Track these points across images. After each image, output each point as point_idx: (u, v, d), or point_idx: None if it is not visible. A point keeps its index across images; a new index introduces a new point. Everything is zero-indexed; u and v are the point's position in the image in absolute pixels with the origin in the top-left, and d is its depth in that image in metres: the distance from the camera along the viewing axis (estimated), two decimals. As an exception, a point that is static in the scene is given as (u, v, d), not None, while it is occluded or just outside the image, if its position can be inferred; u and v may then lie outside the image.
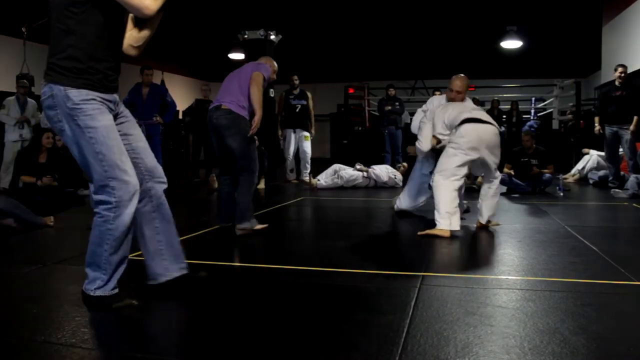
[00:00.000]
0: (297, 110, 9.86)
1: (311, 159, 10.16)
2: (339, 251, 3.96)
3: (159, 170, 2.79)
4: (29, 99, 8.92)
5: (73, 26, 2.48)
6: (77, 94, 2.48)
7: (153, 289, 2.80)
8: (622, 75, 8.08)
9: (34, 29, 10.16)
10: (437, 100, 5.35)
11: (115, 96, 2.67)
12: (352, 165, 9.07)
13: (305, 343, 2.19)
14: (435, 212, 4.34)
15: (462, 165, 4.35)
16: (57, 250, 4.14)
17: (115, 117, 2.67)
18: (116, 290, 2.64)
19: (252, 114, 4.62)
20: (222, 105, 4.57)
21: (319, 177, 8.95)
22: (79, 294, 2.88)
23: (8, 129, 8.74)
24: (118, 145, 2.55)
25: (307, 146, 9.97)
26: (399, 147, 11.35)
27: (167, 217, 2.81)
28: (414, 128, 5.33)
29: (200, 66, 17.37)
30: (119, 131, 2.64)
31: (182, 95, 11.11)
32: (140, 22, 2.72)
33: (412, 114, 14.16)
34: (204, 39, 13.32)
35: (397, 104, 11.44)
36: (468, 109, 4.64)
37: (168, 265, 2.80)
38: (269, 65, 4.89)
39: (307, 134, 9.93)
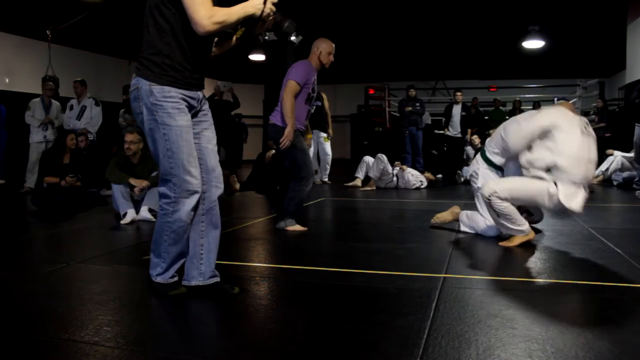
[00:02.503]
0: (313, 111, 9.86)
1: (332, 160, 10.16)
2: (359, 252, 3.95)
3: (218, 174, 2.84)
4: (53, 101, 9.05)
5: (164, 23, 2.61)
6: (159, 91, 2.61)
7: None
8: None
9: (59, 32, 10.30)
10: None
11: (199, 93, 2.78)
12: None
13: (324, 343, 2.19)
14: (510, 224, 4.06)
15: None
16: (81, 249, 4.19)
17: (196, 114, 2.79)
18: (175, 279, 2.80)
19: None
20: (270, 120, 4.75)
21: (357, 173, 9.02)
22: (102, 292, 2.93)
23: (32, 130, 8.88)
24: (189, 145, 2.66)
25: (327, 147, 9.98)
26: (419, 148, 11.30)
27: (215, 222, 2.84)
28: None
29: (221, 67, 17.47)
30: (194, 128, 2.75)
31: (203, 96, 11.19)
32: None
33: (432, 114, 14.15)
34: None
35: (417, 104, 11.38)
36: None
37: (204, 270, 2.83)
38: (305, 62, 4.74)
39: (325, 135, 9.94)
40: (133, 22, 2.95)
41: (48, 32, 10.15)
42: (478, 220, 4.53)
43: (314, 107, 9.86)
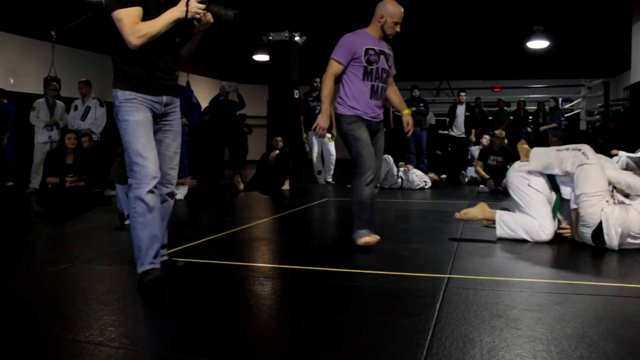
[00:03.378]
0: (317, 112, 9.86)
1: (336, 160, 10.17)
2: (363, 252, 3.95)
3: (170, 176, 3.21)
4: (57, 102, 9.07)
5: (114, 40, 2.98)
6: (121, 94, 2.99)
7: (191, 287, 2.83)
8: None
9: (63, 33, 10.32)
10: None
11: (164, 98, 3.09)
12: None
13: (328, 344, 2.18)
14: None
15: None
16: (85, 249, 4.20)
17: (160, 119, 3.12)
18: (150, 267, 2.98)
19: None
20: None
21: None
22: (106, 293, 2.93)
23: (37, 130, 8.90)
24: (145, 136, 2.97)
25: (332, 148, 9.98)
26: (423, 148, 11.28)
27: (165, 214, 3.24)
28: None
29: (225, 67, 17.48)
30: (156, 134, 3.09)
31: (207, 96, 11.19)
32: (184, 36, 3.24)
33: (436, 115, 14.13)
34: (229, 40, 13.40)
35: (421, 105, 11.36)
36: None
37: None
38: (351, 34, 4.09)
39: (329, 135, 9.94)
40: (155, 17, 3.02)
41: (53, 32, 10.18)
42: (526, 221, 4.18)
43: (319, 108, 9.88)
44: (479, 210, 4.49)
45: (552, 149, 4.26)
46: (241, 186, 8.60)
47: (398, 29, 3.98)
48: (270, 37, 10.59)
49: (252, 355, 2.11)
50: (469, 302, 2.69)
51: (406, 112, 4.24)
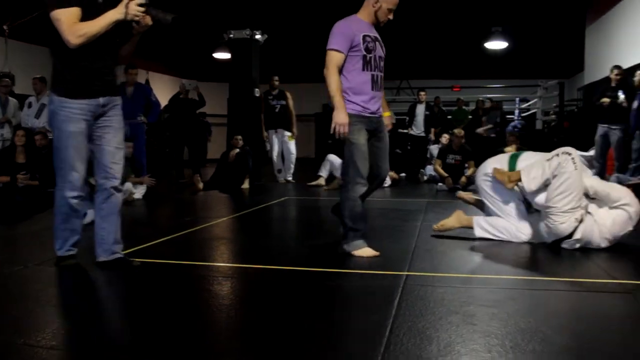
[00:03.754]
0: (277, 110, 9.87)
1: (296, 159, 10.16)
2: (322, 251, 3.96)
3: (113, 172, 3.32)
4: (10, 98, 8.81)
5: (53, 40, 3.09)
6: (57, 100, 3.15)
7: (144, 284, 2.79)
8: (617, 77, 8.15)
9: (16, 27, 10.05)
10: None
11: (101, 99, 3.22)
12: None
13: (287, 343, 2.18)
14: None
15: None
16: (39, 251, 4.09)
17: (98, 118, 3.25)
18: (70, 252, 3.33)
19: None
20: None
21: (321, 172, 8.99)
22: (60, 295, 2.87)
23: (-11, 128, 8.64)
24: (76, 146, 3.15)
25: (292, 146, 9.97)
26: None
27: (114, 210, 3.36)
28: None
29: (185, 65, 17.30)
30: (96, 132, 3.25)
31: (167, 94, 11.06)
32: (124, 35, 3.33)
33: (396, 114, 14.23)
34: (190, 38, 13.27)
35: None
36: None
37: (107, 248, 3.35)
38: (343, 21, 3.79)
39: (289, 134, 9.93)
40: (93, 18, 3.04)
41: (5, 27, 9.90)
42: (504, 225, 4.19)
43: (279, 106, 9.86)
44: (455, 220, 4.40)
45: (540, 160, 4.01)
46: (200, 185, 8.52)
47: (391, 16, 3.77)
48: (231, 35, 10.50)
49: (211, 355, 2.10)
50: (426, 299, 2.72)
51: (387, 115, 4.05)
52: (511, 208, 4.16)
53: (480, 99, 13.30)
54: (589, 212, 3.90)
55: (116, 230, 3.37)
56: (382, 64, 3.78)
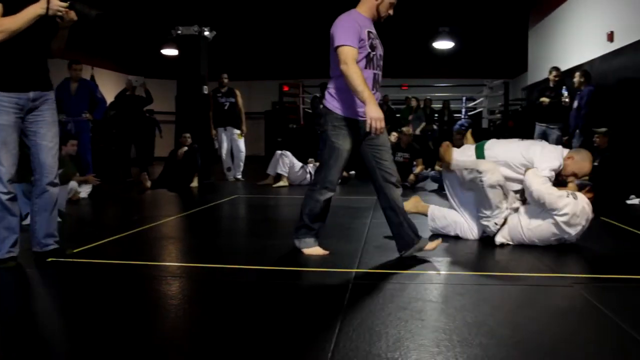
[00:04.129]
0: (226, 108, 9.79)
1: (246, 157, 10.10)
2: (271, 249, 3.95)
3: (48, 167, 3.35)
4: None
5: None
6: None
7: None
8: (555, 78, 8.39)
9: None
10: None
11: (31, 94, 3.23)
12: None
13: (237, 343, 2.16)
14: None
15: None
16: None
17: (29, 112, 3.26)
18: (7, 255, 3.24)
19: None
20: (324, 104, 3.63)
21: (269, 170, 8.95)
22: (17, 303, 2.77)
23: None
24: (3, 140, 3.13)
25: (241, 144, 9.90)
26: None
27: (47, 205, 3.40)
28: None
29: (132, 61, 16.95)
30: (30, 127, 3.27)
31: (113, 91, 10.81)
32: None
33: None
34: (136, 33, 13.01)
35: None
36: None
37: (40, 241, 3.42)
38: (346, 17, 3.53)
39: (239, 131, 9.87)
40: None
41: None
42: (456, 219, 4.25)
43: (228, 104, 9.77)
44: (412, 205, 4.42)
45: (482, 160, 4.11)
46: (148, 184, 8.36)
47: (392, 11, 3.65)
48: (179, 32, 10.34)
49: (160, 356, 2.06)
50: (375, 296, 2.74)
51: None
52: (469, 205, 4.19)
53: (428, 97, 13.52)
54: (518, 207, 4.04)
55: (48, 224, 3.43)
56: (381, 62, 3.65)
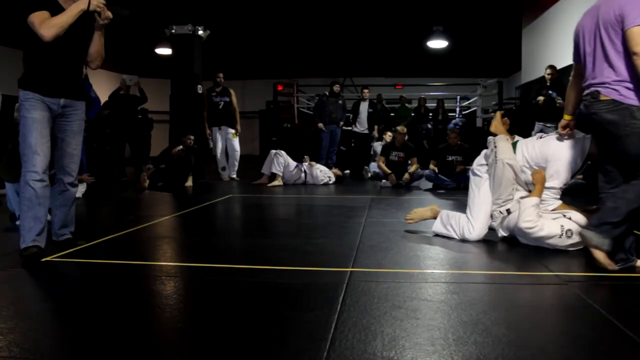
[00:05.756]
0: (220, 107, 9.78)
1: (240, 156, 10.09)
2: (266, 248, 3.95)
3: (69, 170, 3.73)
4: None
5: (25, 42, 3.48)
6: (22, 94, 3.47)
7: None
8: (550, 76, 8.43)
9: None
10: None
11: (62, 100, 3.56)
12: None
13: (233, 341, 2.17)
14: None
15: None
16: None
17: (58, 116, 3.58)
18: (31, 244, 3.43)
19: None
20: (601, 95, 3.12)
21: (264, 169, 8.97)
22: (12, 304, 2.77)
23: None
24: (39, 131, 3.43)
25: (236, 144, 9.90)
26: (336, 144, 11.07)
27: (67, 201, 3.81)
28: None
29: (126, 61, 16.90)
30: (56, 132, 3.60)
31: (107, 91, 10.78)
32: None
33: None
34: (130, 32, 12.97)
35: (340, 101, 11.05)
36: None
37: (57, 231, 3.84)
38: None
39: (233, 131, 9.86)
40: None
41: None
42: (460, 222, 4.17)
43: (222, 103, 9.75)
44: (429, 210, 4.41)
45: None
46: (146, 184, 8.35)
47: None
48: (173, 31, 10.32)
49: (155, 356, 2.06)
50: (370, 295, 2.75)
51: None
52: (481, 204, 4.10)
53: (422, 96, 13.52)
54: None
55: (65, 217, 3.84)
56: None
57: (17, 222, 4.89)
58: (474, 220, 4.12)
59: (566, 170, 3.87)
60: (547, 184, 3.90)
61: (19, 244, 3.47)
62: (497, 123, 4.44)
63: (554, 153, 3.92)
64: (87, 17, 3.52)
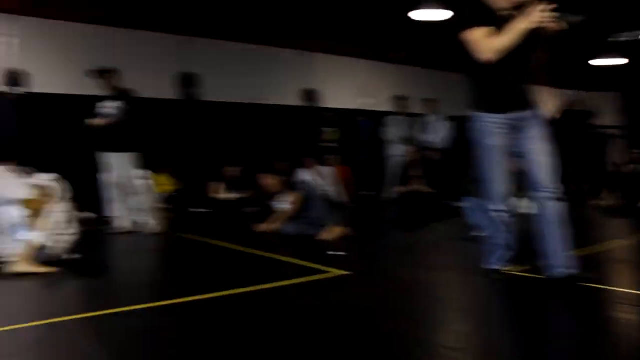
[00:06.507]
0: None
1: None
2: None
3: (541, 181, 3.20)
4: (408, 118, 9.62)
5: (466, 61, 3.24)
6: (475, 117, 3.29)
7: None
8: None
9: (408, 56, 10.90)
10: None
11: (514, 114, 3.23)
12: None
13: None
14: None
15: None
16: (436, 257, 4.43)
17: (518, 131, 3.25)
18: (492, 266, 3.41)
19: None
20: None
21: None
22: (463, 300, 3.11)
23: (391, 145, 9.55)
24: (493, 160, 3.24)
25: None
26: None
27: (551, 218, 3.17)
28: None
29: (563, 75, 16.31)
30: (518, 146, 3.25)
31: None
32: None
33: None
34: (567, 45, 12.48)
35: None
36: None
37: (552, 263, 3.19)
38: None
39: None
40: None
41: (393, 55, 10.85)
42: None
43: None
44: None
45: None
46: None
47: None
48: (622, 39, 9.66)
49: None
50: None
51: None
52: None
53: None
54: None
55: (557, 241, 3.16)
56: None
57: (474, 234, 4.71)
58: None
59: None
60: None
61: (475, 254, 3.65)
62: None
63: None
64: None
